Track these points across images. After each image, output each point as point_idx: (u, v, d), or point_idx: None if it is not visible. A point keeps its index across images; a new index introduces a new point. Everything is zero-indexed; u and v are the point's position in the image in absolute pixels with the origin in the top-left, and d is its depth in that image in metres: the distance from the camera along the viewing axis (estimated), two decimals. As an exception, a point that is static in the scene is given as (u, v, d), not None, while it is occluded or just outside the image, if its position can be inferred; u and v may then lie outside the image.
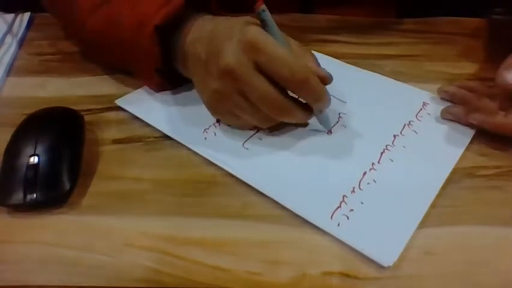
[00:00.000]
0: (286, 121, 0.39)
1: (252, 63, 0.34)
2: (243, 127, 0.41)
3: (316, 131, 0.41)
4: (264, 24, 0.35)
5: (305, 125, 0.41)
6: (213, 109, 0.39)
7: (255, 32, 0.34)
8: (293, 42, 0.38)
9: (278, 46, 0.34)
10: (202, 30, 0.38)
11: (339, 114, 0.43)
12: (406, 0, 0.58)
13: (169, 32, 0.40)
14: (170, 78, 0.44)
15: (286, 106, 0.36)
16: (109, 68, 0.49)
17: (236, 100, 0.36)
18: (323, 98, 0.36)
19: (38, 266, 0.32)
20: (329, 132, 0.41)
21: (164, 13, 0.39)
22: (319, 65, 0.37)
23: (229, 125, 0.41)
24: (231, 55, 0.34)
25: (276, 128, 0.40)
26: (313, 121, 0.40)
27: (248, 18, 0.36)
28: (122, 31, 0.41)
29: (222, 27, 0.37)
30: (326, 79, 0.36)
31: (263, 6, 0.34)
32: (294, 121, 0.39)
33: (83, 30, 0.44)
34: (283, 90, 0.35)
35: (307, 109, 0.38)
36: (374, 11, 0.57)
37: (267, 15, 0.35)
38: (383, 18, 0.56)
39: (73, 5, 0.44)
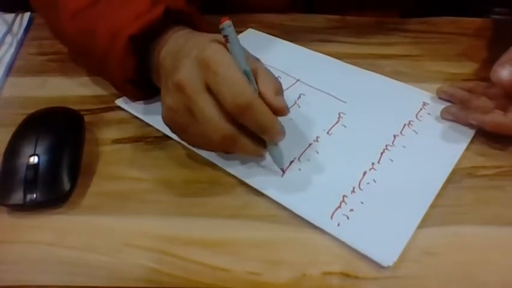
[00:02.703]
0: (233, 152, 0.36)
1: (203, 82, 0.32)
2: (201, 149, 0.39)
3: (271, 169, 0.37)
4: (227, 42, 0.33)
5: (259, 159, 0.38)
6: (168, 124, 0.37)
7: (212, 49, 0.32)
8: (261, 67, 0.35)
9: (232, 68, 0.32)
10: (176, 44, 0.37)
11: (339, 114, 0.43)
12: (408, 1, 0.59)
13: (144, 42, 0.40)
14: (144, 89, 0.43)
15: (230, 134, 0.33)
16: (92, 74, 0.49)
17: (185, 117, 0.34)
18: (270, 130, 0.33)
19: (38, 266, 0.32)
20: (282, 171, 0.37)
21: (141, 23, 0.38)
22: (281, 95, 0.34)
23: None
24: (185, 71, 0.33)
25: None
26: (269, 158, 0.37)
27: (217, 36, 0.34)
28: (96, 40, 0.40)
29: (191, 43, 0.35)
30: (280, 111, 0.33)
31: (225, 23, 0.32)
32: (242, 153, 0.36)
33: (64, 33, 0.44)
34: (232, 118, 0.33)
35: (259, 143, 0.35)
36: (378, 14, 0.57)
37: (230, 32, 0.32)
38: (383, 18, 0.56)
39: (58, 6, 0.43)
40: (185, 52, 0.34)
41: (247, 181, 0.37)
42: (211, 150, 0.39)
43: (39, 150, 0.37)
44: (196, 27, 0.41)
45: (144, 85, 0.42)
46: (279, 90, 0.34)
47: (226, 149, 0.36)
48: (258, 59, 0.36)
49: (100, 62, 0.41)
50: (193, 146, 0.39)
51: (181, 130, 0.36)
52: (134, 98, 0.45)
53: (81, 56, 0.47)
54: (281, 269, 0.32)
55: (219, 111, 0.32)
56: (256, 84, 0.33)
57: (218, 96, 0.32)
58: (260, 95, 0.33)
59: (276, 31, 0.54)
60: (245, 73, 0.32)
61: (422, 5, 0.59)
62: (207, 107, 0.32)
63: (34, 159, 0.36)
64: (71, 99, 0.46)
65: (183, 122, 0.35)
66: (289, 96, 0.45)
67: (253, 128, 0.33)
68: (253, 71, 0.34)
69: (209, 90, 0.32)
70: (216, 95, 0.32)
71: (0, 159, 0.37)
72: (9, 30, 0.56)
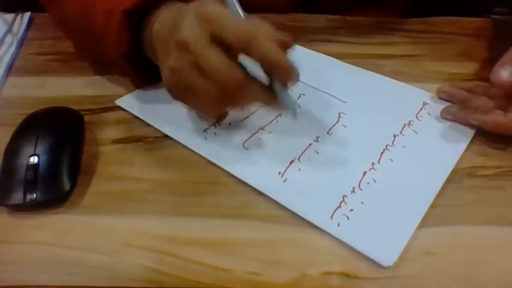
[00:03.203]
0: (245, 101, 0.37)
1: (208, 35, 0.33)
2: (205, 111, 0.40)
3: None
4: (225, 3, 0.35)
5: (271, 107, 0.38)
6: (171, 89, 0.37)
7: (211, 5, 0.34)
8: (254, 16, 0.36)
9: (231, 15, 0.34)
10: (169, 15, 0.39)
11: (339, 114, 0.43)
12: (408, 1, 0.59)
13: (139, 18, 0.41)
14: (141, 67, 0.43)
15: (240, 80, 0.34)
16: (88, 56, 0.49)
17: (192, 75, 0.34)
18: (280, 63, 0.34)
19: (38, 266, 0.32)
20: (295, 115, 0.37)
21: None
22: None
23: (195, 111, 0.41)
24: (187, 29, 0.33)
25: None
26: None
27: None
28: (95, 19, 0.41)
29: (186, 8, 0.36)
30: (284, 42, 0.35)
31: None
32: (253, 100, 0.37)
33: (65, 18, 0.45)
34: (240, 66, 0.34)
35: (268, 88, 0.36)
36: (378, 14, 0.57)
37: None
38: (384, 18, 0.56)
39: None
40: (183, 15, 0.35)
41: (247, 181, 0.37)
42: (216, 110, 0.39)
43: (39, 150, 0.37)
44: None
45: (141, 65, 0.43)
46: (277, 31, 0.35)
47: (238, 96, 0.36)
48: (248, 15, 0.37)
49: (98, 41, 0.42)
50: (198, 107, 0.39)
51: (186, 90, 0.36)
52: (130, 76, 0.45)
53: (82, 39, 0.48)
54: (281, 269, 0.32)
55: (228, 59, 0.33)
56: None
57: (224, 41, 0.33)
58: None
59: (276, 31, 0.54)
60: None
61: (422, 5, 0.59)
62: (216, 57, 0.33)
63: (34, 159, 0.36)
64: (71, 99, 0.46)
65: (188, 81, 0.35)
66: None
67: (262, 61, 0.34)
68: None
69: (214, 41, 0.33)
70: (221, 41, 0.33)
71: (0, 159, 0.37)
72: (9, 30, 0.56)
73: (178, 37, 0.34)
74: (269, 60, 0.34)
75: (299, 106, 0.38)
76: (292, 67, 0.34)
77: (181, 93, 0.37)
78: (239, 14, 0.35)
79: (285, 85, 0.36)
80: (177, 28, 0.34)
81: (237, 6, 0.35)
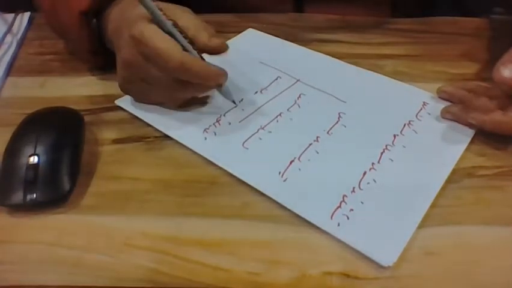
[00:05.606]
0: (192, 77, 0.38)
1: (140, 55, 0.37)
2: (163, 101, 0.43)
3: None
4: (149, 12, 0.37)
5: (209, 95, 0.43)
6: (125, 91, 0.43)
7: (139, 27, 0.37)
8: (188, 18, 0.38)
9: (157, 39, 0.36)
10: (115, 20, 0.42)
11: (339, 114, 0.43)
12: (405, 0, 0.59)
13: (97, 15, 0.44)
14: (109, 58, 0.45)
15: (187, 57, 0.36)
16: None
17: (141, 84, 0.40)
18: (211, 76, 0.37)
19: (38, 266, 0.32)
20: (234, 103, 0.43)
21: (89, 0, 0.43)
22: (215, 36, 0.38)
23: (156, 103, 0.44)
24: (125, 49, 0.38)
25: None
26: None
27: (141, 11, 0.38)
28: (60, 15, 0.45)
29: (123, 22, 0.39)
30: (217, 49, 0.38)
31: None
32: (200, 76, 0.38)
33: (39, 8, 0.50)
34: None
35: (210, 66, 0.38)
36: (366, 9, 0.57)
37: (147, 3, 0.36)
38: (383, 18, 0.56)
39: None
40: (121, 32, 0.39)
41: (247, 181, 0.37)
42: (173, 97, 0.42)
43: (39, 150, 0.37)
44: None
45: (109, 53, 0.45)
46: (212, 33, 0.38)
47: (186, 74, 0.37)
48: (187, 10, 0.40)
49: (65, 37, 0.49)
50: (156, 99, 0.43)
51: (140, 92, 0.42)
52: (97, 65, 0.49)
53: (54, 30, 0.50)
54: (281, 269, 0.32)
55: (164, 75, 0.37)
56: (186, 35, 0.37)
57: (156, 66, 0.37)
58: (194, 43, 0.37)
59: (276, 31, 0.54)
60: (169, 32, 0.37)
61: (421, 5, 0.59)
62: (153, 72, 0.37)
63: (34, 159, 0.36)
64: (71, 99, 0.46)
65: (141, 84, 0.40)
66: (289, 96, 0.45)
67: (193, 80, 0.37)
68: (183, 26, 0.37)
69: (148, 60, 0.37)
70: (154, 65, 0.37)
71: (0, 159, 0.37)
72: (9, 30, 0.56)
73: (119, 57, 0.39)
74: (202, 80, 0.37)
75: (237, 102, 0.44)
76: (222, 72, 0.38)
77: (133, 94, 0.43)
78: (163, 23, 0.37)
79: (220, 87, 0.40)
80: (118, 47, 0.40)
81: (162, 18, 0.37)
